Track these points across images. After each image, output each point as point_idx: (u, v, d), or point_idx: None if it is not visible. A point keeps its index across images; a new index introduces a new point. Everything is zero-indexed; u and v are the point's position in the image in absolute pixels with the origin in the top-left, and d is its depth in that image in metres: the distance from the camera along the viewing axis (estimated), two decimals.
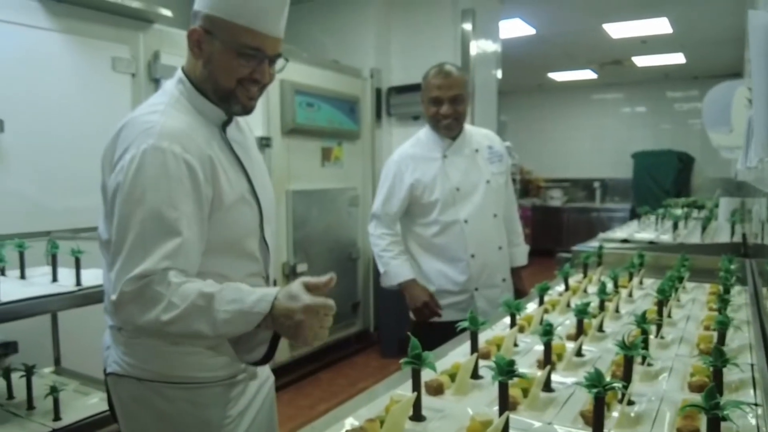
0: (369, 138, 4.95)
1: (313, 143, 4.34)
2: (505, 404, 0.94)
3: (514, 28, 6.19)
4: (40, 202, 2.72)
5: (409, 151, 2.39)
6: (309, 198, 4.18)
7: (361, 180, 4.87)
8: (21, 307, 1.67)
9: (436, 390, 1.11)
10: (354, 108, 4.65)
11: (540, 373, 1.10)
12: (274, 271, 1.48)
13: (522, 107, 10.25)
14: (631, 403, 1.05)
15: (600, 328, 1.53)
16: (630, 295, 1.93)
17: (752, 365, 1.24)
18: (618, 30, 6.47)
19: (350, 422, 0.99)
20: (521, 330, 1.51)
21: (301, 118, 4.08)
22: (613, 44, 7.04)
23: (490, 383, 0.98)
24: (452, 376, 1.16)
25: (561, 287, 2.03)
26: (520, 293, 2.46)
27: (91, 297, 1.82)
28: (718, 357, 1.04)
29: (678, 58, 7.82)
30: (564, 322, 1.62)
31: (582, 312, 1.41)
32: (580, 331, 1.42)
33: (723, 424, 0.85)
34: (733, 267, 1.93)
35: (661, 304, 1.55)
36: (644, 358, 1.24)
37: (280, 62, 1.32)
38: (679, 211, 3.82)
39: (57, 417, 1.91)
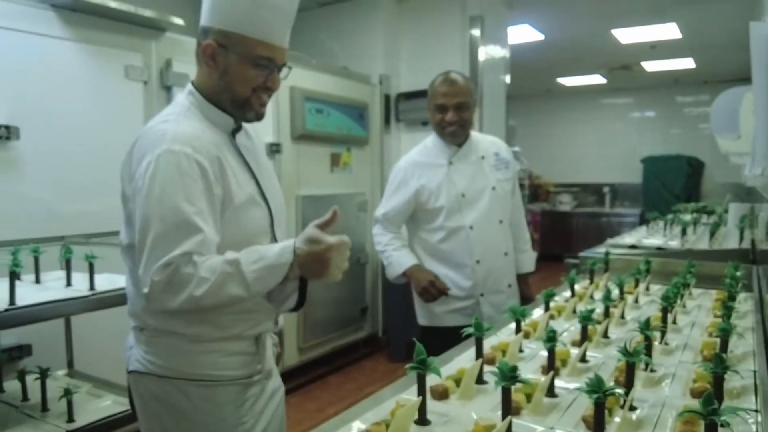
0: (378, 144, 4.98)
1: (323, 149, 4.37)
2: (508, 409, 0.96)
3: (523, 33, 6.21)
4: (55, 207, 2.76)
5: (416, 158, 2.42)
6: (318, 203, 4.20)
7: (370, 185, 4.90)
8: (36, 311, 1.71)
9: (441, 395, 1.13)
10: (363, 114, 4.68)
11: (544, 379, 1.12)
12: None
13: (531, 112, 10.21)
14: (632, 408, 1.07)
15: (605, 335, 1.54)
16: (636, 301, 1.94)
17: (755, 372, 1.25)
18: (627, 35, 6.45)
19: (357, 426, 1.01)
20: (526, 336, 1.53)
21: (311, 124, 4.11)
22: (622, 49, 7.01)
23: (494, 388, 1.00)
24: (457, 381, 1.18)
25: (567, 293, 2.04)
26: (526, 299, 2.47)
27: (104, 301, 1.86)
28: (718, 364, 1.05)
29: (687, 63, 7.77)
30: (569, 329, 1.63)
31: (586, 318, 1.43)
32: (584, 337, 1.44)
33: (722, 430, 0.86)
34: (739, 274, 1.93)
35: (665, 310, 1.56)
36: (647, 364, 1.26)
37: (285, 70, 1.41)
38: (688, 217, 3.79)
39: (70, 419, 1.95)
